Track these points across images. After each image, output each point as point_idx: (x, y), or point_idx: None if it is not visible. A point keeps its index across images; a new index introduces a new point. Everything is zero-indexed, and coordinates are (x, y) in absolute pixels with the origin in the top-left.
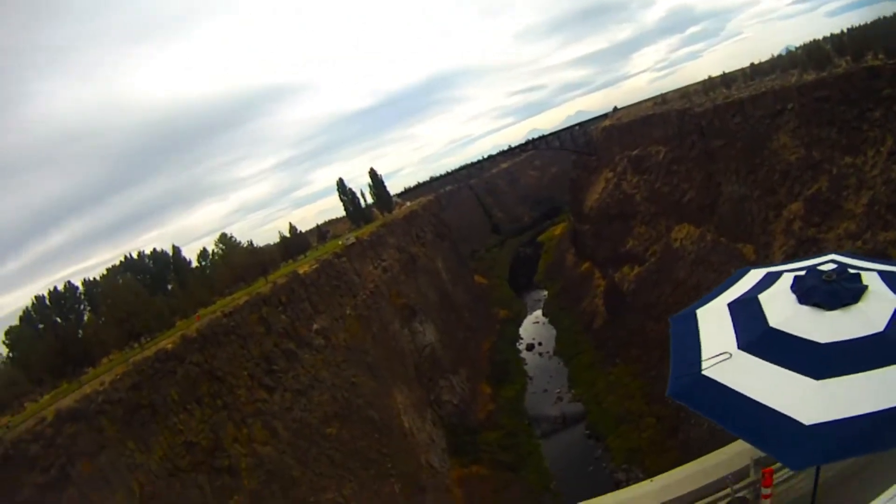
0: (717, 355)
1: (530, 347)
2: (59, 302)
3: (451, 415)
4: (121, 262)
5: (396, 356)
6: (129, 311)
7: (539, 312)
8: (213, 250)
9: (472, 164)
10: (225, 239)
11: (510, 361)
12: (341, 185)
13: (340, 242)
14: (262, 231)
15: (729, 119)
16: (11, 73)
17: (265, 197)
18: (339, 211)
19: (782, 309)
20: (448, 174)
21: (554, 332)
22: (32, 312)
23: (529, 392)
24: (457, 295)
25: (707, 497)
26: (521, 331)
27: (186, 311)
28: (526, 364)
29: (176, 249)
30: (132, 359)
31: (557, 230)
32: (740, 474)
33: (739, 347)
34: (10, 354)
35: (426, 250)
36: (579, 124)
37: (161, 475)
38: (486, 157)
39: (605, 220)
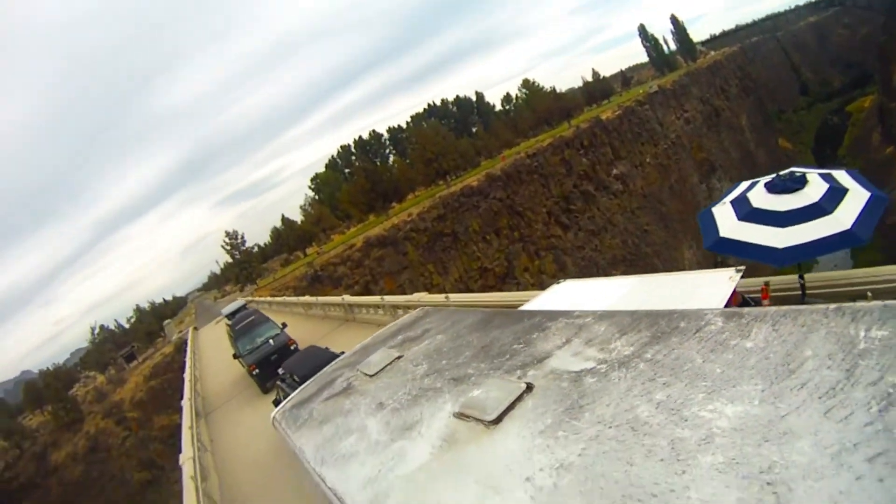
0: (727, 225)
1: None
2: (365, 147)
3: None
4: (425, 109)
5: (691, 211)
6: (436, 151)
7: None
8: (516, 94)
9: (778, 15)
10: (528, 84)
11: None
12: (643, 31)
13: (642, 90)
14: (563, 76)
15: None
16: None
17: (564, 42)
18: (641, 56)
19: (760, 197)
20: (753, 23)
21: None
22: (338, 159)
23: None
24: (759, 156)
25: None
26: None
27: (491, 151)
28: None
29: (479, 95)
30: (438, 194)
31: (867, 102)
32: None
33: (738, 220)
34: (317, 196)
35: (730, 104)
36: None
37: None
38: (791, 7)
39: None
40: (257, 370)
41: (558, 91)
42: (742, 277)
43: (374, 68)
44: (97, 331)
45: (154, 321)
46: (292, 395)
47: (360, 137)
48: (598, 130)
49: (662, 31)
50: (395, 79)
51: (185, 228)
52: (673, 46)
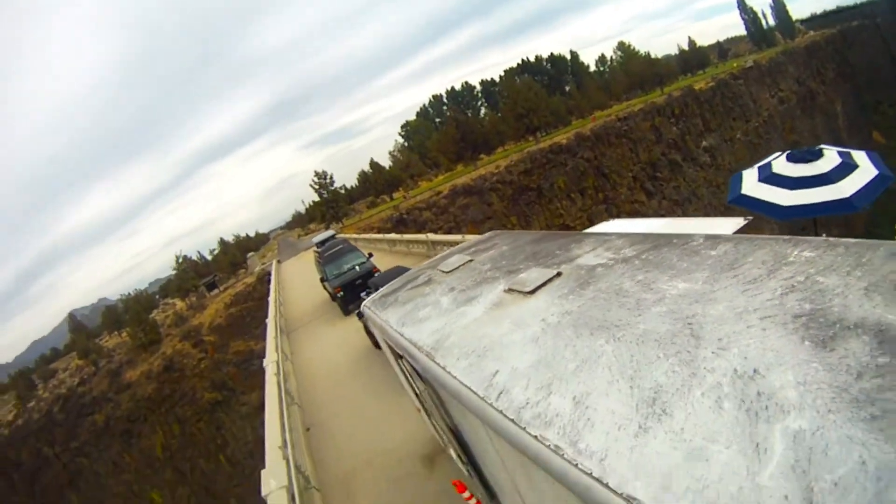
0: (748, 185)
1: None
2: (457, 98)
3: None
4: (518, 64)
5: None
6: (528, 107)
7: None
8: (611, 56)
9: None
10: (624, 47)
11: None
12: (742, 3)
13: (737, 64)
14: (660, 41)
15: None
16: None
17: (663, 7)
18: (739, 28)
19: (780, 165)
20: (854, 7)
21: None
22: (429, 108)
23: None
24: (850, 146)
25: None
26: None
27: (583, 111)
28: None
29: (574, 54)
30: (527, 149)
31: None
32: None
33: (758, 181)
34: (406, 143)
35: (826, 89)
36: None
37: None
38: None
39: None
40: (342, 293)
41: (653, 57)
42: (748, 226)
43: (469, 20)
44: (181, 259)
45: (238, 253)
46: (382, 289)
47: (452, 88)
48: (690, 100)
49: (762, 5)
50: (489, 32)
51: (271, 168)
52: (772, 22)
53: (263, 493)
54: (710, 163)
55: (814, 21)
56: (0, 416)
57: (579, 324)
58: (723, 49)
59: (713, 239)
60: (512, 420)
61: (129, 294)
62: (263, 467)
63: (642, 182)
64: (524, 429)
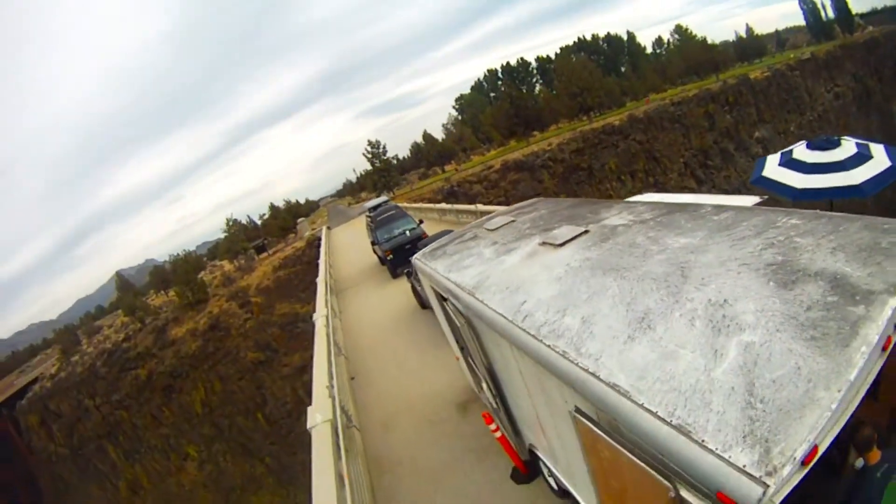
0: (769, 168)
1: None
2: (512, 74)
3: None
4: (574, 42)
5: None
6: (583, 86)
7: None
8: (668, 39)
9: None
10: (681, 30)
11: None
12: None
13: (793, 55)
14: (717, 27)
15: None
16: None
17: None
18: (798, 18)
19: (800, 151)
20: None
21: None
22: (484, 83)
23: None
24: None
25: None
26: None
27: (637, 93)
28: None
29: (630, 35)
30: (580, 128)
31: None
32: None
33: (778, 165)
34: (460, 116)
35: (883, 88)
36: None
37: None
38: None
39: None
40: (391, 256)
41: (710, 42)
42: (763, 204)
43: None
44: (231, 222)
45: (288, 218)
46: (432, 244)
47: (507, 63)
48: (744, 89)
49: None
50: (546, 7)
51: (323, 137)
52: (831, 14)
53: (309, 425)
54: (762, 154)
55: (874, 16)
56: (43, 370)
57: (595, 267)
58: (781, 38)
59: (720, 208)
60: (532, 335)
61: (178, 255)
62: (310, 405)
63: (693, 169)
64: (541, 340)
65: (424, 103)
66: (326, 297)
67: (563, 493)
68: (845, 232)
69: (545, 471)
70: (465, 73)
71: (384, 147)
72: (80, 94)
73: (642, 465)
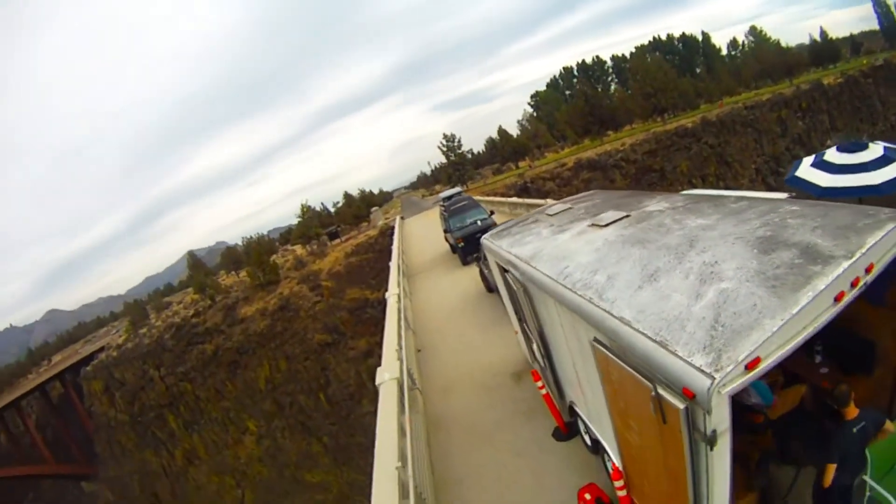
0: (803, 169)
1: None
2: (587, 72)
3: None
4: (650, 41)
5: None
6: (657, 87)
7: None
8: (742, 41)
9: None
10: (755, 32)
11: None
12: None
13: (866, 61)
14: (793, 29)
15: None
16: None
17: None
18: (873, 22)
19: (831, 154)
20: None
21: None
22: (560, 80)
23: None
24: None
25: None
26: None
27: (711, 96)
28: None
29: (705, 35)
30: (653, 129)
31: None
32: None
33: (810, 166)
34: (535, 113)
35: None
36: None
37: None
38: None
39: None
40: (462, 244)
41: (784, 45)
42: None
43: None
44: (305, 209)
45: (362, 207)
46: (499, 226)
47: (583, 61)
48: (818, 95)
49: None
50: (622, 4)
51: (398, 128)
52: None
53: (378, 382)
54: None
55: None
56: (110, 340)
57: (626, 241)
58: (856, 43)
59: (741, 198)
60: (569, 288)
61: (251, 237)
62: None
63: (765, 176)
64: (574, 291)
65: (499, 98)
66: (398, 278)
67: (595, 449)
68: (832, 216)
69: (581, 427)
70: (540, 70)
71: (459, 140)
72: (174, 75)
73: (635, 373)
